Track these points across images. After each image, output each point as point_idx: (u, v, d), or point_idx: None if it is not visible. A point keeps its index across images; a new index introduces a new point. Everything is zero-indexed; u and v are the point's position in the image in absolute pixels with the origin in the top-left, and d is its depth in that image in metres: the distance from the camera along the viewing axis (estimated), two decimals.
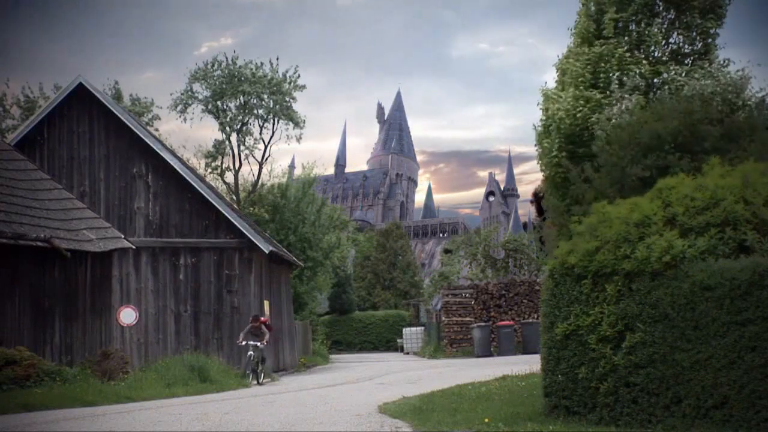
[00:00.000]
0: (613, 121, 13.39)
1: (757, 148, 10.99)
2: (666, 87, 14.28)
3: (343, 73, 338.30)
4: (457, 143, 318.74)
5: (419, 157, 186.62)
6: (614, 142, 12.69)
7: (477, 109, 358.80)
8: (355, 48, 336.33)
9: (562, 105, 14.92)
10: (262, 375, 17.85)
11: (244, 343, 17.82)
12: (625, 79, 14.46)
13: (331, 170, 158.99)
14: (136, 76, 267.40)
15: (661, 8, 15.42)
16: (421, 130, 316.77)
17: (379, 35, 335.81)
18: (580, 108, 14.64)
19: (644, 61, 14.89)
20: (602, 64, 14.95)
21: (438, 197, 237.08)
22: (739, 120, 12.21)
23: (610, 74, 14.75)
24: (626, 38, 15.20)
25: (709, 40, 15.28)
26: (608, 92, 14.54)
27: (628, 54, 14.90)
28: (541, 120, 15.93)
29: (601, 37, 15.23)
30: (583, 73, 15.02)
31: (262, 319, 18.63)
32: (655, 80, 14.80)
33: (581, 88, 14.89)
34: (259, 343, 17.76)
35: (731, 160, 9.42)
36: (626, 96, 14.06)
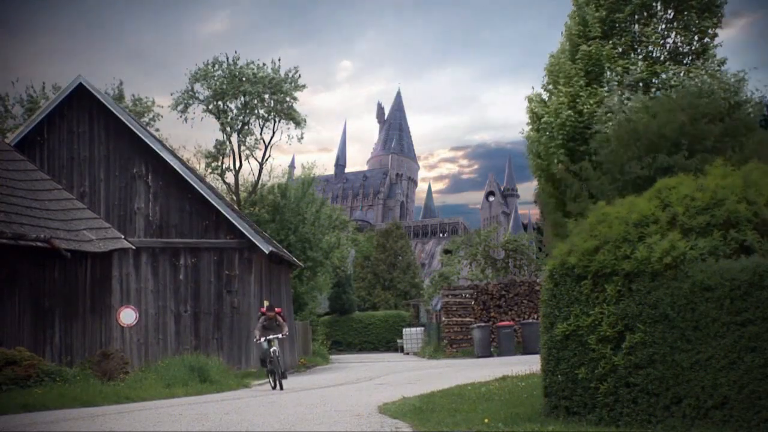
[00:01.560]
0: (612, 115, 13.38)
1: (754, 146, 10.98)
2: (665, 86, 14.29)
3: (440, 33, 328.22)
4: (509, 133, 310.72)
5: (454, 153, 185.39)
6: (615, 139, 12.63)
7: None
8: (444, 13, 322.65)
9: (553, 103, 14.96)
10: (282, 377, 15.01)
11: (263, 339, 14.99)
12: (619, 78, 14.46)
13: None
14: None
15: (659, 8, 15.43)
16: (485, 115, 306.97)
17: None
18: (581, 104, 14.65)
19: (640, 62, 14.89)
20: (595, 63, 14.96)
21: (467, 194, 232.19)
22: (740, 117, 12.20)
23: (603, 73, 14.76)
24: (621, 38, 15.21)
25: (707, 39, 15.30)
26: (605, 89, 14.54)
27: (616, 53, 14.90)
28: (528, 125, 16.00)
29: (591, 38, 15.24)
30: (575, 72, 15.04)
31: (277, 309, 16.05)
32: (654, 80, 14.81)
33: (576, 86, 14.91)
34: (280, 335, 15.19)
35: (730, 158, 9.42)
36: (625, 92, 14.06)
